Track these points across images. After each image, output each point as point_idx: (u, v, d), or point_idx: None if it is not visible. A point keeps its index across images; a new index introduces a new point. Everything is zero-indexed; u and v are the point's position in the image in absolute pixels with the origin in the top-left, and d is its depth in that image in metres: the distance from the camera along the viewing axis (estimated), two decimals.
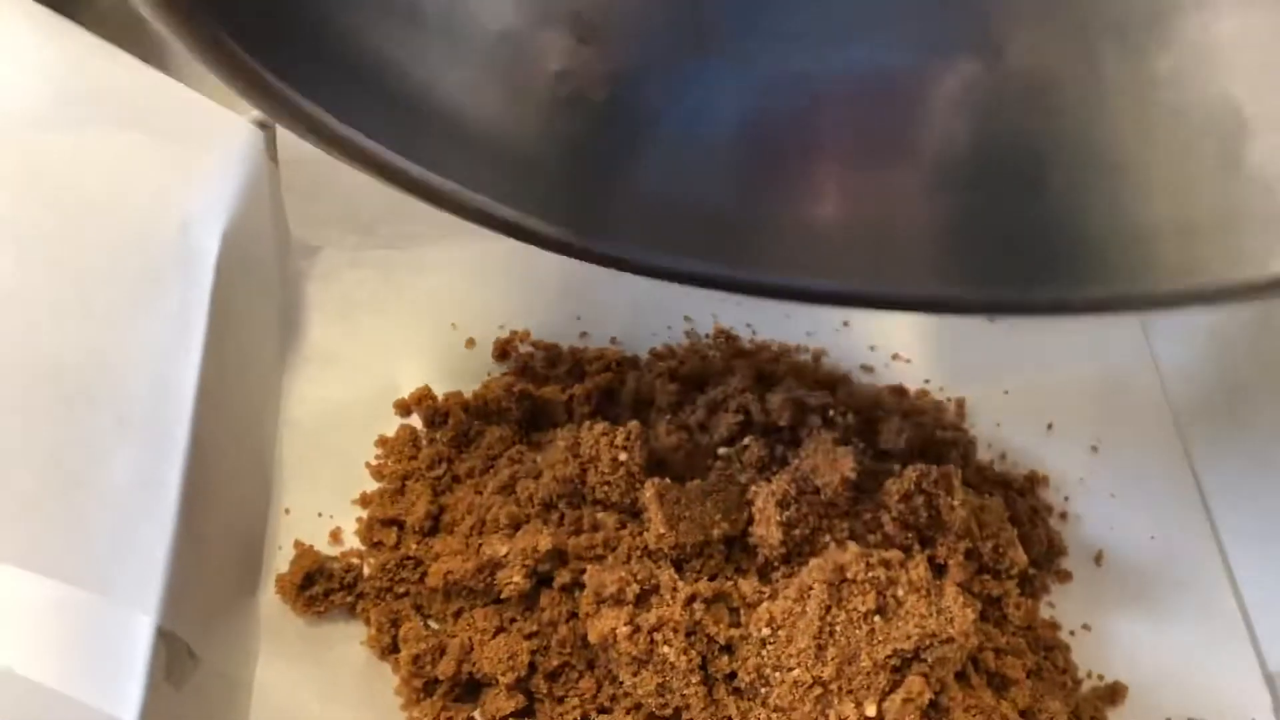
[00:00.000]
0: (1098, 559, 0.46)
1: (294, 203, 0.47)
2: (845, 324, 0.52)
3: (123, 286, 0.38)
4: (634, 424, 0.41)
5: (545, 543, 0.38)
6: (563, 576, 0.39)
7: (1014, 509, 0.45)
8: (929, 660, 0.36)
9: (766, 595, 0.38)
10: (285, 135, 0.45)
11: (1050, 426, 0.50)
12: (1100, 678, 0.42)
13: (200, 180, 0.42)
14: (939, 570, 0.41)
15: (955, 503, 0.40)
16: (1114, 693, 0.42)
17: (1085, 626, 0.44)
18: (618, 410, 0.46)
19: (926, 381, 0.50)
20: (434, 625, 0.41)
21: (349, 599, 0.41)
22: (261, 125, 0.46)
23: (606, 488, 0.40)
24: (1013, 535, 0.42)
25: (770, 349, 0.51)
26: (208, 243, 0.41)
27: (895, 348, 0.51)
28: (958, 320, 0.52)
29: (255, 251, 0.45)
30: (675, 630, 0.36)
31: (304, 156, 0.46)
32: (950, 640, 0.36)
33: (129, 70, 0.42)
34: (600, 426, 0.41)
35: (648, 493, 0.39)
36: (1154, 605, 0.44)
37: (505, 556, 0.39)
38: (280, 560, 0.42)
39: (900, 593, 0.37)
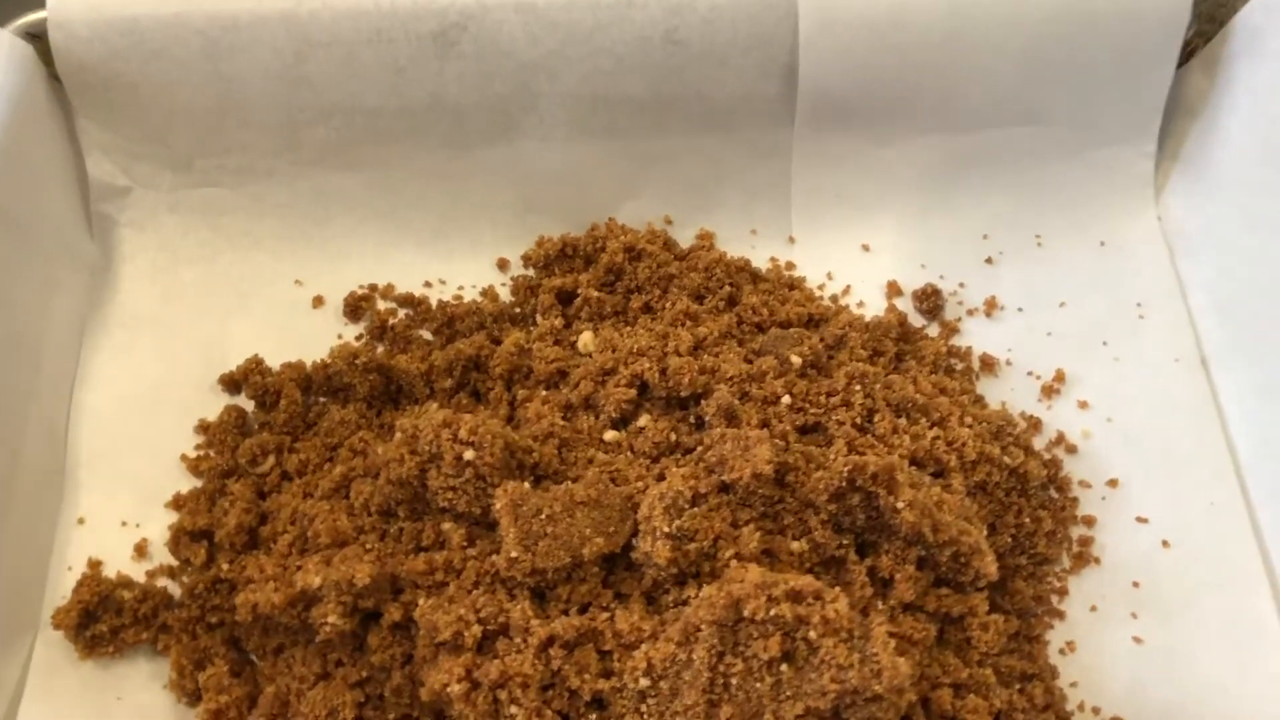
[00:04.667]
0: (1098, 557, 0.36)
1: (87, 132, 0.38)
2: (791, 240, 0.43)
3: None
4: (484, 413, 0.32)
5: (363, 573, 0.30)
6: (393, 613, 0.31)
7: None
8: None
9: (647, 634, 0.29)
10: (65, 47, 0.36)
11: (1048, 390, 0.40)
12: (1095, 711, 0.33)
13: None
14: (884, 585, 0.32)
15: (900, 503, 0.31)
16: None
17: (1071, 645, 0.35)
18: (489, 383, 0.37)
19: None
20: (257, 661, 0.33)
21: (144, 635, 0.33)
22: (31, 36, 0.36)
23: (451, 494, 0.32)
24: (979, 539, 0.33)
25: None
26: None
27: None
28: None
29: (32, 196, 0.36)
30: (525, 686, 0.29)
31: (93, 77, 0.37)
32: (877, 698, 0.28)
33: None
34: (441, 415, 0.32)
35: (499, 503, 0.31)
36: (1170, 614, 0.35)
37: (319, 589, 0.31)
38: (70, 583, 0.34)
39: (813, 635, 0.28)
